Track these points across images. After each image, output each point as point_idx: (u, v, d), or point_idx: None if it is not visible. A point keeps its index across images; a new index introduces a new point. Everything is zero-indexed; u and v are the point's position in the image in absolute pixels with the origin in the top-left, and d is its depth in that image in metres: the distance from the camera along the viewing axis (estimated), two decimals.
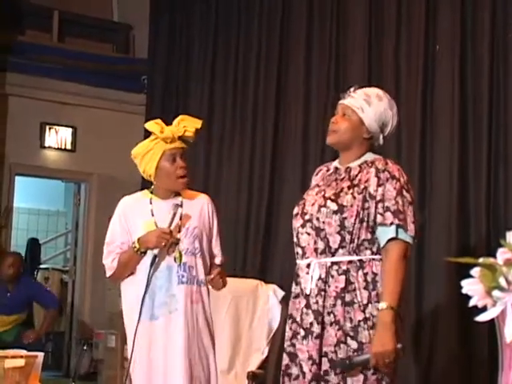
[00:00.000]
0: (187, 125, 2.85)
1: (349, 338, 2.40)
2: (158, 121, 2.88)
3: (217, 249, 2.99)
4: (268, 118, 5.49)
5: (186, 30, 6.47)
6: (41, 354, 2.52)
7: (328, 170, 2.66)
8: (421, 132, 4.31)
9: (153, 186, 2.93)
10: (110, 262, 2.87)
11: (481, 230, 3.93)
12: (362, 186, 2.47)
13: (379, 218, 2.42)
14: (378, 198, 2.43)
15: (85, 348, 6.63)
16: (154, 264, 2.78)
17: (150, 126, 2.86)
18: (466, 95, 4.15)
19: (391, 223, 2.41)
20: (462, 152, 4.10)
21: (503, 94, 4.01)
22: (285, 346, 2.56)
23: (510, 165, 3.94)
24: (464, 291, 1.03)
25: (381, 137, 2.58)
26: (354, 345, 2.39)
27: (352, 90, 2.59)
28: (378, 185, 2.44)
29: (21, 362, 2.35)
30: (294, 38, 5.37)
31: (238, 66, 5.84)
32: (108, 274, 2.90)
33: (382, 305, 2.35)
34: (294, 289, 2.55)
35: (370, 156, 2.56)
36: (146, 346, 2.79)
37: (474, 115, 4.10)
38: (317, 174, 2.72)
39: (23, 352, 2.54)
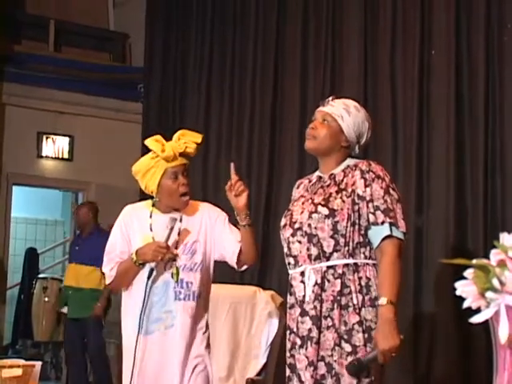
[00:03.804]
0: (187, 141, 2.82)
1: (343, 342, 2.41)
2: (158, 138, 2.83)
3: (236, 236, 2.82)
4: (264, 127, 5.49)
5: (182, 39, 6.49)
6: (38, 363, 2.51)
7: (310, 181, 2.68)
8: (417, 136, 4.32)
9: (155, 199, 2.89)
10: (108, 271, 2.86)
11: (478, 233, 3.94)
12: (349, 190, 2.50)
13: (371, 218, 2.45)
14: (368, 198, 2.46)
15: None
16: (151, 277, 2.77)
17: (151, 143, 2.81)
18: (462, 99, 4.16)
19: (383, 222, 2.44)
20: (459, 156, 4.11)
21: (499, 98, 4.02)
22: (286, 357, 2.57)
23: (506, 167, 3.95)
24: (458, 293, 1.03)
25: (356, 147, 2.63)
26: (347, 348, 2.41)
27: (330, 99, 2.62)
28: (366, 185, 2.48)
29: (18, 372, 2.34)
30: (289, 45, 5.39)
31: (234, 74, 5.86)
32: (107, 281, 2.90)
33: (383, 300, 2.37)
34: (289, 299, 2.56)
35: (350, 161, 2.60)
36: (140, 360, 2.77)
37: (471, 118, 4.11)
38: (298, 187, 2.74)
39: (21, 361, 2.53)
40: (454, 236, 4.04)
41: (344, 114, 2.57)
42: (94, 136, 7.12)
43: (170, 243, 2.77)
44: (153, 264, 2.77)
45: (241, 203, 2.72)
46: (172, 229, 2.78)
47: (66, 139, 7.14)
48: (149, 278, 2.76)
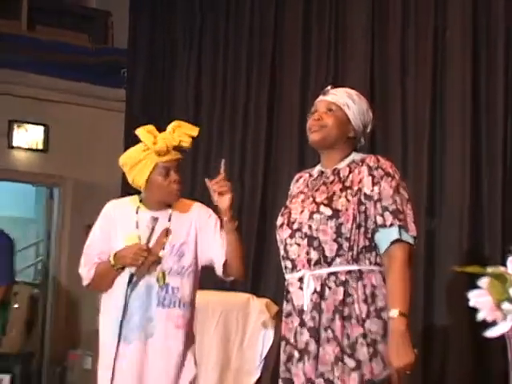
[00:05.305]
0: (182, 134, 2.84)
1: (346, 356, 2.41)
2: (151, 128, 2.86)
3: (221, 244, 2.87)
4: (261, 116, 5.49)
5: (171, 17, 6.48)
6: (6, 377, 2.51)
7: (311, 176, 2.68)
8: (429, 130, 4.32)
9: (142, 194, 2.91)
10: (86, 272, 2.87)
11: (496, 237, 3.94)
12: (355, 188, 2.49)
13: (379, 220, 2.45)
14: (376, 197, 2.46)
15: (58, 371, 6.62)
16: (132, 283, 2.77)
17: (142, 135, 2.84)
18: (479, 87, 4.15)
19: (391, 224, 2.44)
20: (475, 152, 4.12)
21: None
22: (280, 371, 2.57)
23: None
24: (471, 304, 1.04)
25: (362, 139, 2.64)
26: (351, 363, 2.40)
27: (329, 88, 2.64)
28: (373, 184, 2.47)
29: None
30: (288, 30, 5.38)
31: (227, 58, 5.85)
32: (84, 283, 2.91)
33: (394, 312, 2.36)
34: (285, 306, 2.56)
35: (356, 155, 2.59)
36: (117, 370, 2.76)
37: (488, 110, 4.11)
38: (297, 181, 2.74)
39: None
40: (468, 240, 4.05)
41: (349, 102, 2.59)
42: (72, 125, 7.11)
43: (151, 245, 2.78)
44: (133, 269, 2.78)
45: (224, 204, 2.74)
46: (153, 229, 2.79)
47: (41, 128, 7.13)
48: (129, 284, 2.77)
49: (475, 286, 1.06)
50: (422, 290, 4.12)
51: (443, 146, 4.30)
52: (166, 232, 2.84)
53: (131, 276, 2.78)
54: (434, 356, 4.10)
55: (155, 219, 2.81)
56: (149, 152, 2.82)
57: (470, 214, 4.06)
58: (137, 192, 2.95)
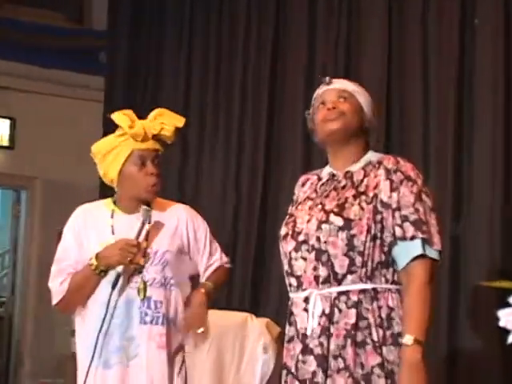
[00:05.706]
0: (165, 121, 2.85)
1: None
2: (129, 112, 2.87)
3: (214, 256, 3.01)
4: (260, 109, 5.49)
5: None
6: None
7: (319, 179, 2.67)
8: (455, 122, 4.34)
9: (116, 195, 2.92)
10: (58, 285, 2.85)
11: None
12: (370, 194, 2.48)
13: (398, 231, 2.44)
14: (394, 205, 2.45)
15: None
16: (118, 286, 2.76)
17: (118, 117, 2.86)
18: None
19: (413, 237, 2.42)
20: (508, 145, 4.13)
21: None
22: None
23: None
24: (501, 324, 1.04)
25: (373, 133, 2.66)
26: None
27: (327, 79, 2.64)
28: (392, 189, 2.46)
29: None
30: (292, 11, 5.40)
31: (221, 40, 5.86)
32: (55, 300, 2.88)
33: (408, 338, 2.35)
34: (288, 331, 2.55)
35: (373, 155, 2.59)
36: None
37: None
38: (303, 185, 2.73)
39: None
40: (499, 251, 4.06)
41: (357, 88, 2.62)
42: (42, 118, 7.12)
43: (140, 240, 2.78)
44: (119, 269, 2.78)
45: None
46: (144, 223, 2.79)
47: (6, 122, 7.14)
48: (114, 286, 2.76)
49: (506, 303, 1.07)
50: (446, 306, 4.13)
51: (471, 139, 4.31)
52: (147, 236, 2.84)
53: (117, 276, 2.76)
54: (460, 380, 4.11)
55: (148, 211, 2.81)
56: (125, 138, 2.83)
57: (502, 216, 4.07)
58: (112, 195, 2.95)
